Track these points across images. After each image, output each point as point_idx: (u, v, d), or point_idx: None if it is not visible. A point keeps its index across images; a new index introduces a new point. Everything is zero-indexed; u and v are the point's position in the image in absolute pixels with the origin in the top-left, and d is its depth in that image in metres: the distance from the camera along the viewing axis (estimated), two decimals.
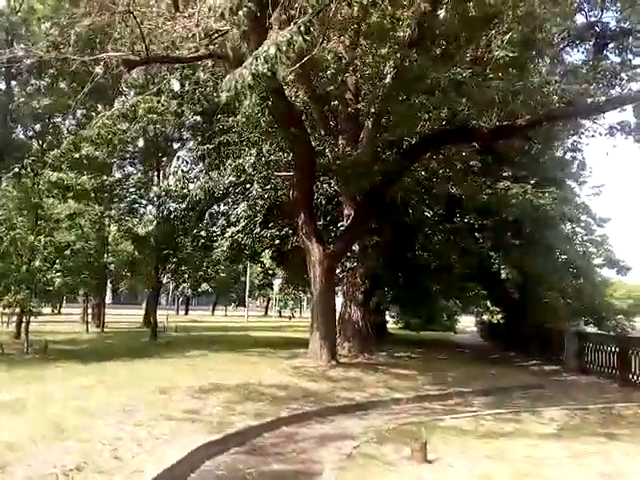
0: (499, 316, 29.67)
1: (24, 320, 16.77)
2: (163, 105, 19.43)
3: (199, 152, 19.49)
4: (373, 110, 14.72)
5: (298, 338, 21.54)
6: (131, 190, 24.69)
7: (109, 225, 26.39)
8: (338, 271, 17.31)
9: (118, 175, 26.26)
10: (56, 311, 43.49)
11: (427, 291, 19.93)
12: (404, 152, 15.35)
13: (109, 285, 68.18)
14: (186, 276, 25.00)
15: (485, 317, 32.60)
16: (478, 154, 17.55)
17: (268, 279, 27.65)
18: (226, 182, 18.38)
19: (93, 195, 21.11)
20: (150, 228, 21.87)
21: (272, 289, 53.65)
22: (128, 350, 16.93)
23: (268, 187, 18.75)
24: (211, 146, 17.86)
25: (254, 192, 19.11)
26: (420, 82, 12.07)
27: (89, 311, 30.10)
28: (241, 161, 16.86)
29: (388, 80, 13.30)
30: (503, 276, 18.54)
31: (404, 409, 10.52)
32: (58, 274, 17.53)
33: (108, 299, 72.94)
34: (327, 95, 14.97)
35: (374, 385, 12.32)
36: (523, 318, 23.23)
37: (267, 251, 24.85)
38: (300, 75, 12.99)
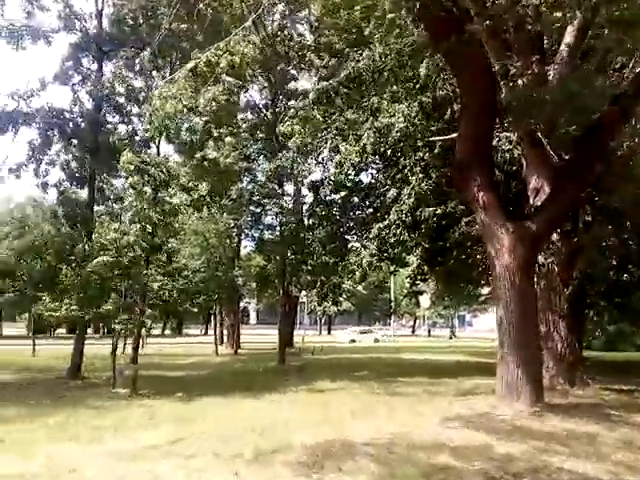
0: None
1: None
2: None
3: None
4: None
5: (467, 362, 16.35)
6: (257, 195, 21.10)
7: (238, 236, 23.75)
8: None
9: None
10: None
11: None
12: None
13: (253, 305, 68.44)
14: (323, 290, 20.90)
15: None
16: None
17: (417, 286, 22.60)
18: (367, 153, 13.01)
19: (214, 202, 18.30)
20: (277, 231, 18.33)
21: (419, 305, 48.68)
22: (247, 379, 13.32)
23: (420, 159, 13.77)
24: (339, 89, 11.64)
25: (405, 168, 14.18)
26: None
27: (224, 332, 27.76)
28: (384, 121, 12.07)
29: None
30: None
31: None
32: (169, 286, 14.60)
33: (253, 319, 73.42)
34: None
35: (627, 450, 6.90)
36: None
37: (416, 251, 19.99)
38: None
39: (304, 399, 10.56)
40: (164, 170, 11.76)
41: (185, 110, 9.08)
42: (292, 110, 11.12)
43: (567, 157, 10.58)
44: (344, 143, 12.28)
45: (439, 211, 13.59)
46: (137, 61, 14.97)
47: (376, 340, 40.51)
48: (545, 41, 11.55)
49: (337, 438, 6.91)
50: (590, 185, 10.44)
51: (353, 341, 38.72)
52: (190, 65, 8.60)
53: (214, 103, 8.92)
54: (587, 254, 12.44)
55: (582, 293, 13.02)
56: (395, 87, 11.06)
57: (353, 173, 16.75)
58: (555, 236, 12.44)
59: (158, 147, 17.63)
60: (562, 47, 10.90)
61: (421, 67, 10.60)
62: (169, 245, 17.72)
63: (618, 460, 6.38)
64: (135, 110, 16.19)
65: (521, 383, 9.45)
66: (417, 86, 11.35)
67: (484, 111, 8.97)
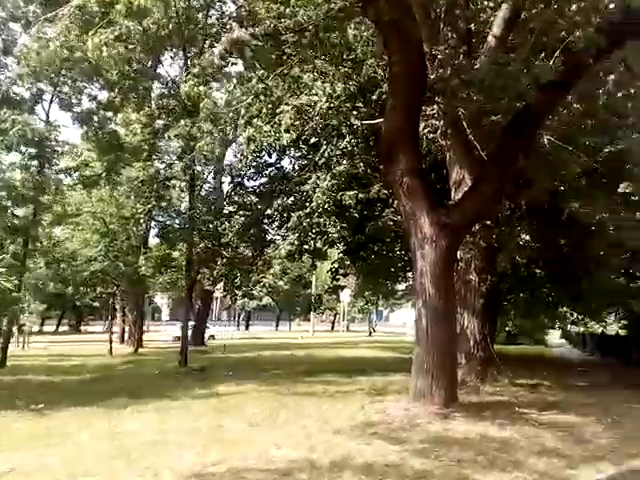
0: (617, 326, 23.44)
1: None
2: None
3: None
4: None
5: (383, 358, 15.86)
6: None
7: (147, 223, 21.89)
8: None
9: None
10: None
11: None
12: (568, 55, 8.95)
13: (167, 300, 65.12)
14: (235, 283, 19.54)
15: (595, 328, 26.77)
16: None
17: (338, 281, 21.93)
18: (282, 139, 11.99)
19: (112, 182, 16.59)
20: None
21: (339, 301, 48.36)
22: (137, 383, 12.04)
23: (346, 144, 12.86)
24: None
25: (326, 152, 13.24)
26: None
27: (126, 329, 25.79)
28: (305, 99, 11.05)
29: None
30: None
31: None
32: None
33: (166, 315, 70.04)
34: None
35: (542, 456, 6.34)
36: None
37: (338, 245, 19.28)
38: None
39: (198, 406, 9.24)
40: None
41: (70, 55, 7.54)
42: (197, 68, 9.74)
43: (491, 148, 10.11)
44: (257, 119, 11.15)
45: (361, 195, 12.75)
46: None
47: (211, 337, 32.23)
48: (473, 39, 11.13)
49: (224, 459, 5.83)
50: (513, 178, 10.03)
51: (212, 337, 32.29)
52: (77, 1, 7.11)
53: (105, 49, 7.37)
54: (507, 249, 12.14)
55: (496, 289, 12.75)
56: (318, 58, 10.08)
57: (272, 157, 15.75)
58: (475, 230, 12.08)
59: (48, 113, 15.76)
60: (489, 38, 10.49)
61: (349, 30, 9.70)
62: (45, 226, 15.90)
63: (535, 468, 5.85)
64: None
65: (436, 383, 8.88)
66: (344, 56, 10.45)
67: (414, 80, 8.23)
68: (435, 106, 11.08)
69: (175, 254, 21.08)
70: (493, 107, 8.79)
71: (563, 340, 39.10)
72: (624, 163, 11.61)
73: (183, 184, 17.84)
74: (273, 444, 6.54)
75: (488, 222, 11.95)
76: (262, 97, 9.68)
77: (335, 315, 62.88)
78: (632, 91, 8.68)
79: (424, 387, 8.97)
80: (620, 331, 22.63)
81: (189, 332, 19.36)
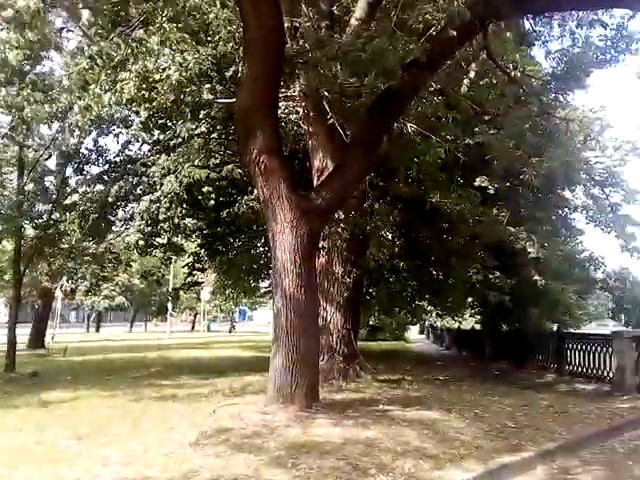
0: (473, 321, 25.12)
1: None
2: None
3: None
4: None
5: (242, 358, 15.02)
6: None
7: None
8: None
9: None
10: None
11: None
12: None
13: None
14: (75, 279, 17.22)
15: (452, 323, 28.53)
16: None
17: (194, 277, 20.58)
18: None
19: None
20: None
21: (200, 299, 46.49)
22: None
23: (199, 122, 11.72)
24: None
25: (178, 133, 11.92)
26: None
27: None
28: (150, 66, 9.66)
29: None
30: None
31: None
32: None
33: (3, 316, 62.14)
34: None
35: (407, 456, 5.90)
36: (504, 322, 18.54)
37: (194, 238, 17.93)
38: None
39: (17, 419, 7.65)
40: None
41: None
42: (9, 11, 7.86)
43: (355, 129, 9.64)
44: (95, 86, 9.53)
45: (214, 175, 11.59)
46: None
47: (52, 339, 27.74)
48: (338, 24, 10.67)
49: None
50: (377, 165, 9.66)
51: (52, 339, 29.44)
52: None
53: None
54: (372, 241, 11.86)
55: (360, 282, 12.45)
56: (166, 22, 8.80)
57: (118, 138, 14.04)
58: (339, 228, 11.63)
59: None
60: (352, 21, 10.11)
61: None
62: None
63: (401, 471, 5.35)
64: None
65: (296, 383, 8.13)
66: (194, 24, 9.27)
67: (271, 47, 7.38)
68: (297, 87, 10.46)
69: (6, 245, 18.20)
70: (356, 88, 8.30)
71: (422, 336, 41.35)
72: (483, 157, 11.92)
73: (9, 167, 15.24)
74: (101, 461, 5.41)
75: (353, 213, 11.57)
76: (99, 61, 8.19)
77: (195, 315, 60.58)
78: (494, 81, 8.69)
79: (283, 387, 8.19)
80: (475, 326, 24.01)
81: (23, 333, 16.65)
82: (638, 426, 7.65)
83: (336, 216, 10.93)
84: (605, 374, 12.19)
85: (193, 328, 59.15)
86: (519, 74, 8.85)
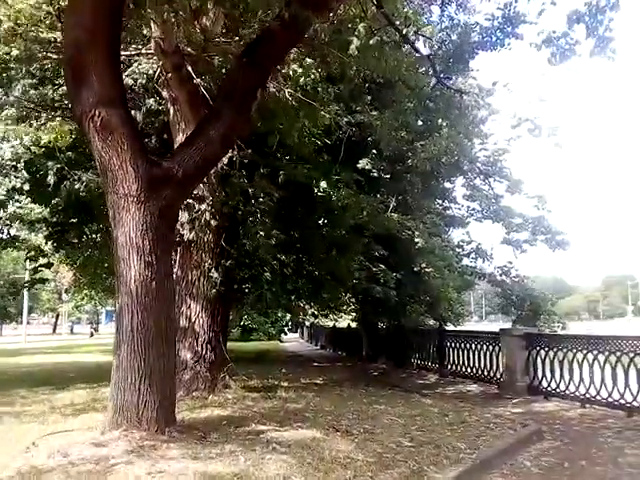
0: (349, 319, 24.40)
1: None
2: None
3: None
4: None
5: (100, 365, 13.02)
6: None
7: None
8: None
9: None
10: None
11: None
12: None
13: None
14: None
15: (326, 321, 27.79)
16: None
17: (38, 273, 17.56)
18: None
19: None
20: None
21: (62, 300, 42.28)
22: None
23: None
24: None
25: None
26: None
27: None
28: None
29: None
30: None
31: None
32: None
33: None
34: None
35: None
36: (383, 319, 17.90)
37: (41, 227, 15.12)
38: None
39: None
40: None
41: None
42: None
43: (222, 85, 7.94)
44: None
45: (46, 138, 9.15)
46: None
47: None
48: None
49: None
50: (249, 126, 7.96)
51: None
52: None
53: None
54: (245, 230, 10.26)
55: (231, 278, 10.77)
56: None
57: None
58: (204, 207, 9.84)
59: None
60: None
61: None
62: None
63: None
64: None
65: (144, 402, 6.26)
66: None
67: None
68: (152, 42, 8.61)
69: None
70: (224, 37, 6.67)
71: (296, 334, 40.45)
72: (365, 138, 10.80)
73: None
74: None
75: (220, 188, 9.84)
76: None
77: (57, 316, 55.24)
78: (386, 39, 7.45)
79: (127, 408, 6.29)
80: (352, 324, 23.15)
81: None
82: (542, 437, 6.87)
83: (200, 193, 9.17)
84: (492, 375, 11.64)
85: (55, 331, 54.10)
86: (412, 33, 7.79)
